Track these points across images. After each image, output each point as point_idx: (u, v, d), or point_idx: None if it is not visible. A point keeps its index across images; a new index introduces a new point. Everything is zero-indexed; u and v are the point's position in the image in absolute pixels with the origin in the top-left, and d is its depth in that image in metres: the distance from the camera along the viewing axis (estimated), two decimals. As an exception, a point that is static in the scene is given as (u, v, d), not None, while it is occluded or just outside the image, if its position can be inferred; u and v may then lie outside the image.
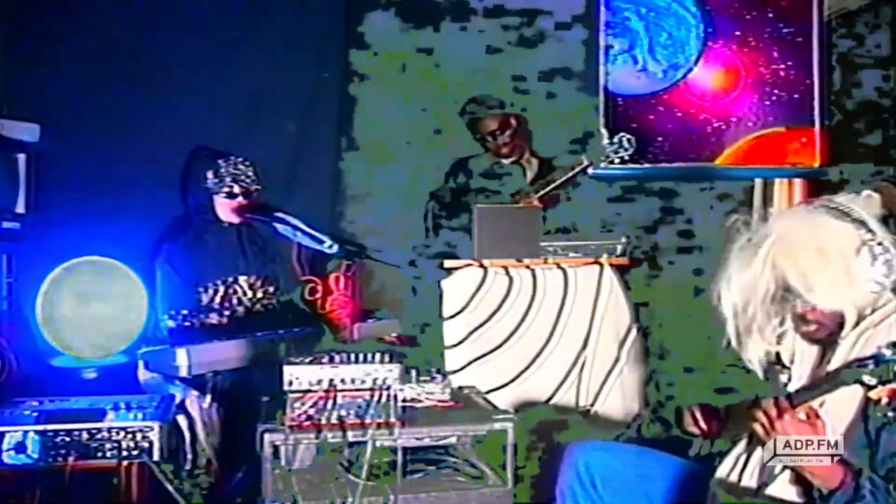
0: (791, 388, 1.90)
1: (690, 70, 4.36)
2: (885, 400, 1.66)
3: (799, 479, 1.78)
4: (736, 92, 4.31)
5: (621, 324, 3.41)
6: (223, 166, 3.21)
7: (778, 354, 1.95)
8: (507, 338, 3.34)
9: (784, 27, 4.34)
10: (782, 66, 4.33)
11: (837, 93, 4.50)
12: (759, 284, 1.82)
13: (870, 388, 1.65)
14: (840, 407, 1.78)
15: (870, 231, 1.80)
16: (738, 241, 1.89)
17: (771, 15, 4.32)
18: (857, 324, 1.81)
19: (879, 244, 1.79)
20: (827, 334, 1.85)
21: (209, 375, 2.75)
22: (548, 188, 3.62)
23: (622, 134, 3.69)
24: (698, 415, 2.16)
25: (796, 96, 4.31)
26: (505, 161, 3.87)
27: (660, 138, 4.21)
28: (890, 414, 1.67)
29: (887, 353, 1.63)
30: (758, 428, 1.78)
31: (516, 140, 3.84)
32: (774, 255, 1.80)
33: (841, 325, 1.82)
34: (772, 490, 1.82)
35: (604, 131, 3.77)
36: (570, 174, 3.61)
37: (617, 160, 3.69)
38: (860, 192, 1.93)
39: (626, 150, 3.66)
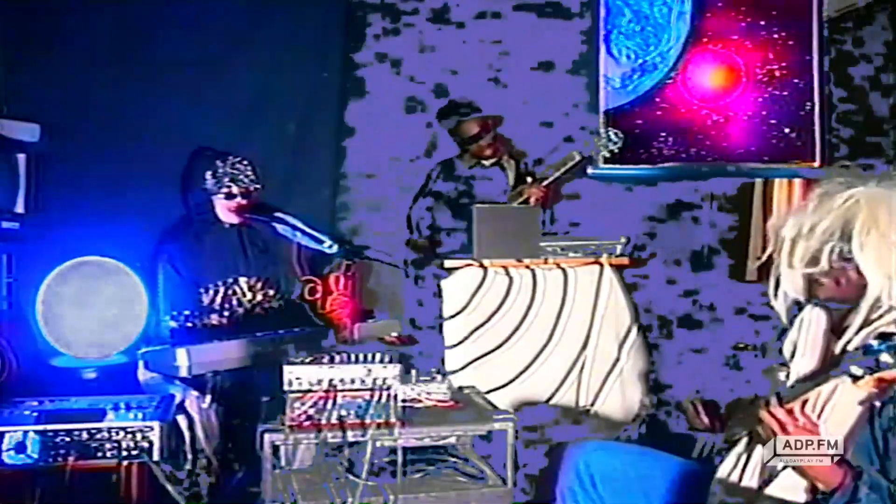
0: (789, 384, 1.90)
1: (667, 77, 3.93)
2: (872, 390, 1.67)
3: (812, 486, 1.78)
4: (736, 93, 4.25)
5: (621, 324, 3.41)
6: (221, 167, 3.20)
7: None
8: (508, 338, 3.34)
9: (783, 25, 4.26)
10: (777, 67, 4.25)
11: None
12: (830, 217, 1.82)
13: (857, 378, 1.66)
14: (846, 407, 1.78)
15: None
16: (824, 188, 1.89)
17: (763, 22, 4.20)
18: (866, 319, 1.81)
19: None
20: (839, 301, 1.86)
21: (209, 375, 2.75)
22: (549, 179, 3.65)
23: (610, 129, 3.68)
24: (700, 409, 2.17)
25: (786, 93, 4.22)
26: (485, 163, 3.88)
27: (661, 134, 4.18)
28: (877, 403, 1.68)
29: (874, 343, 1.64)
30: (766, 431, 1.77)
31: (496, 142, 3.87)
32: (859, 198, 1.80)
33: (855, 300, 1.82)
34: (781, 492, 1.82)
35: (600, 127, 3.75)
36: (564, 168, 3.64)
37: (606, 154, 3.68)
38: None
39: (614, 143, 3.64)
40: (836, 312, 1.91)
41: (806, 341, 1.95)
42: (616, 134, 3.63)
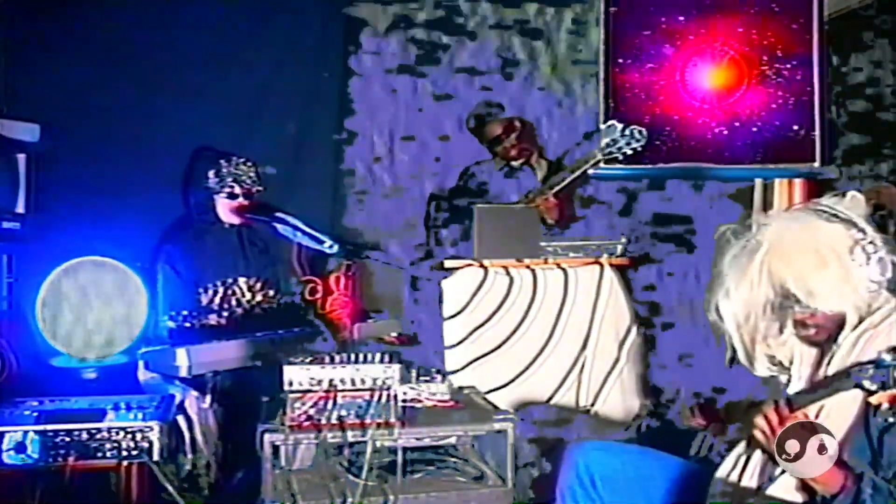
0: (791, 389, 1.90)
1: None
2: (885, 405, 1.65)
3: (805, 485, 1.78)
4: (738, 93, 4.24)
5: (621, 324, 3.41)
6: (225, 166, 3.21)
7: (779, 360, 1.96)
8: (508, 338, 3.34)
9: (783, 24, 4.25)
10: (776, 66, 4.23)
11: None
12: (758, 295, 1.81)
13: (870, 392, 1.64)
14: (841, 411, 1.77)
15: (860, 230, 1.79)
16: (729, 251, 1.88)
17: (761, 21, 4.18)
18: (856, 325, 1.80)
19: (871, 243, 1.78)
20: (826, 336, 1.85)
21: (209, 375, 2.75)
22: (562, 184, 3.55)
23: (633, 126, 3.44)
24: (696, 411, 2.18)
25: (785, 93, 4.20)
26: (514, 164, 3.86)
27: (664, 131, 4.14)
28: (891, 419, 1.66)
29: (887, 357, 1.62)
30: (758, 434, 1.77)
31: (522, 143, 3.83)
32: (769, 263, 1.79)
33: (840, 326, 1.82)
34: (777, 493, 1.81)
35: (617, 124, 3.56)
36: (584, 168, 3.51)
37: (629, 151, 3.51)
38: (844, 193, 1.91)
39: (637, 140, 3.41)
40: None
41: (802, 348, 1.95)
42: (640, 131, 3.43)
